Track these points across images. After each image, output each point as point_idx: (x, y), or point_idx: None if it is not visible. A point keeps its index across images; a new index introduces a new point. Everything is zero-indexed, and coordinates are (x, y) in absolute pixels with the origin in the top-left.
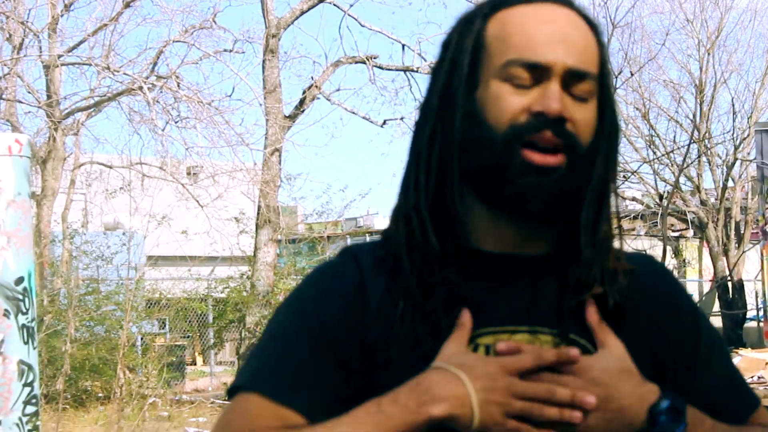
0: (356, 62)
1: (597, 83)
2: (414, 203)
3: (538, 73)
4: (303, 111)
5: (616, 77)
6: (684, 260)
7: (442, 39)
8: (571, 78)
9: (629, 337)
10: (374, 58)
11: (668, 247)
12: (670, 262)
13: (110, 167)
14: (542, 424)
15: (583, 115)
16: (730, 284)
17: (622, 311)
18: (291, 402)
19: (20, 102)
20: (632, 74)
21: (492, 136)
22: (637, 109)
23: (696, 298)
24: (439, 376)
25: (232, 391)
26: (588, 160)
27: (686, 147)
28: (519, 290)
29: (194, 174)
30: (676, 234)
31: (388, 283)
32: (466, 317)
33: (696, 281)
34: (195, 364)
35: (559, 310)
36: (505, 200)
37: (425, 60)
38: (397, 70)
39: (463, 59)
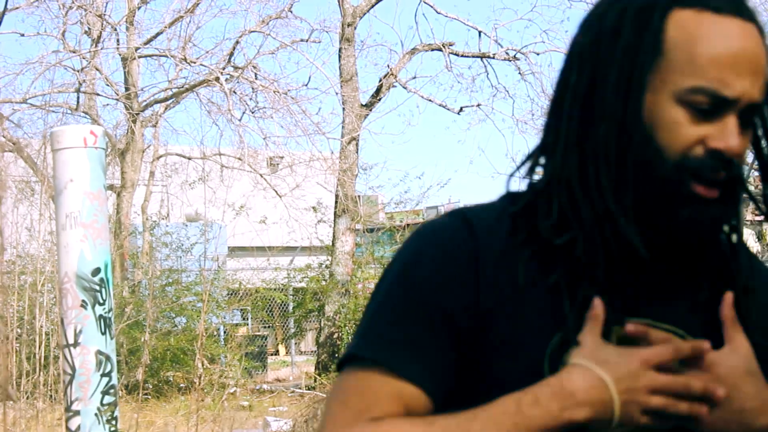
0: (432, 50)
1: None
2: (604, 207)
3: (722, 105)
4: (379, 99)
5: None
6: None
7: (598, 9)
8: (750, 111)
9: (751, 337)
10: (450, 45)
11: (751, 231)
12: (752, 245)
13: (188, 158)
14: (667, 417)
15: (745, 146)
16: None
17: (748, 312)
18: (412, 376)
19: (99, 95)
20: None
21: (662, 162)
22: None
23: None
24: (583, 378)
25: (346, 360)
26: (743, 187)
27: None
28: (667, 287)
29: (274, 164)
30: (760, 218)
31: (507, 252)
32: (599, 308)
33: None
34: (278, 354)
35: (695, 304)
36: (663, 229)
37: (501, 46)
38: (473, 56)
39: (643, 63)
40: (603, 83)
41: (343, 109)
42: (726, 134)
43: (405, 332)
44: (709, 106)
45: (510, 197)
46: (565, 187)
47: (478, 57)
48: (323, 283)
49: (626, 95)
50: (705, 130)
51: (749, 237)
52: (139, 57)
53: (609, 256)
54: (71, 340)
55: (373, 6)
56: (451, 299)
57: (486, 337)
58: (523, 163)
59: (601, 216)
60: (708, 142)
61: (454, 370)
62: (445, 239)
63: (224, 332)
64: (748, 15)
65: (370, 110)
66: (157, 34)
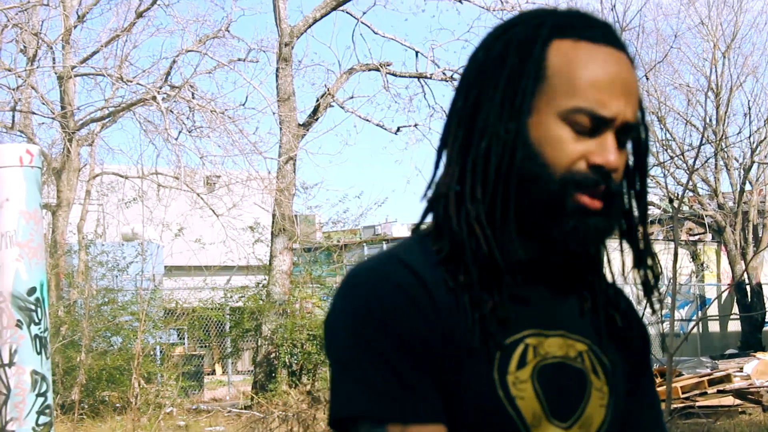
0: (370, 69)
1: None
2: (475, 215)
3: (600, 123)
4: (317, 119)
5: None
6: (702, 264)
7: (484, 43)
8: (624, 131)
9: (615, 344)
10: (388, 65)
11: (686, 251)
12: (686, 266)
13: (125, 177)
14: None
15: (623, 163)
16: (748, 288)
17: (628, 328)
18: (429, 416)
19: (34, 113)
20: (647, 77)
21: (548, 176)
22: (652, 113)
23: (714, 302)
24: None
25: (346, 420)
26: (621, 200)
27: (698, 148)
28: (559, 297)
29: (211, 183)
30: (695, 238)
31: (445, 279)
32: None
33: (714, 285)
34: (214, 374)
35: (595, 322)
36: (552, 239)
37: (438, 66)
38: (410, 77)
39: (525, 86)
40: (487, 105)
41: (280, 128)
42: (605, 150)
43: (398, 378)
44: (589, 125)
45: (418, 233)
46: (443, 201)
47: (415, 77)
48: (261, 302)
49: (509, 116)
50: (586, 147)
51: (684, 257)
52: (76, 76)
53: (491, 267)
54: (6, 360)
55: (310, 26)
56: (424, 331)
57: (457, 359)
58: (426, 189)
59: (471, 227)
60: (590, 157)
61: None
62: (398, 281)
63: (161, 352)
64: (619, 45)
65: (308, 130)
66: (94, 53)
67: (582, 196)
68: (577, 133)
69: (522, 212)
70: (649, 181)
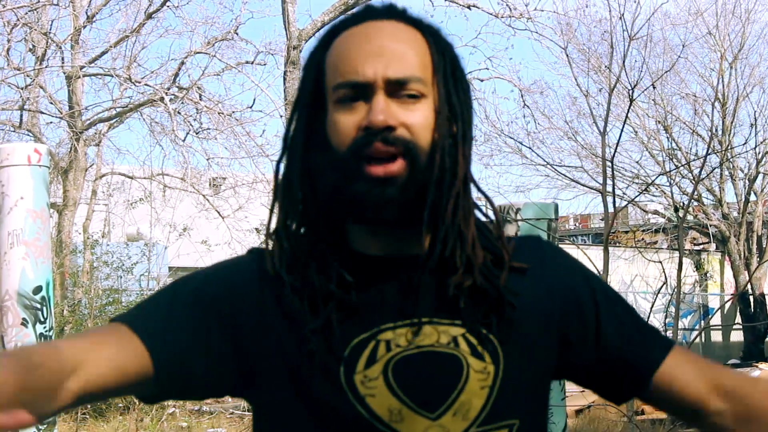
0: None
1: (434, 80)
2: (282, 224)
3: (363, 90)
4: None
5: (632, 88)
6: (706, 274)
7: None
8: (394, 86)
9: (520, 324)
10: None
11: (689, 261)
12: (690, 275)
13: (132, 178)
14: None
15: (416, 118)
16: (751, 298)
17: (503, 300)
18: (140, 331)
19: (42, 113)
20: (654, 87)
21: (337, 157)
22: (658, 122)
23: (718, 312)
24: None
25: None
26: (431, 157)
27: (704, 158)
28: (405, 286)
29: (216, 185)
30: (699, 248)
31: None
32: None
33: (718, 295)
34: None
35: (438, 302)
36: (359, 214)
37: None
38: None
39: (305, 93)
40: (296, 118)
41: None
42: (371, 111)
43: (160, 311)
44: (353, 96)
45: None
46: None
47: None
48: None
49: (306, 120)
50: (358, 117)
51: (688, 266)
52: (84, 76)
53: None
54: None
55: (319, 29)
56: (225, 300)
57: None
58: None
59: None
60: (360, 123)
61: (214, 357)
62: (234, 263)
63: None
64: (388, 15)
65: None
66: (102, 53)
67: (372, 166)
68: (347, 108)
69: (334, 201)
70: (654, 190)
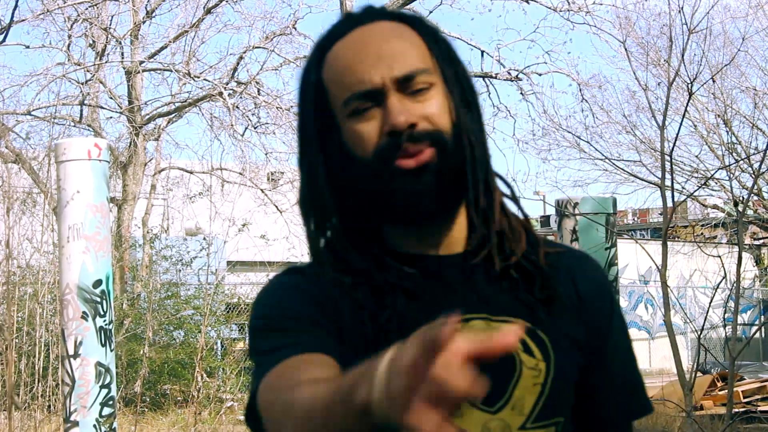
0: None
1: (437, 68)
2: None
3: (374, 97)
4: None
5: (691, 82)
6: (766, 268)
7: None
8: (403, 84)
9: (559, 314)
10: None
11: (749, 255)
12: (749, 270)
13: (190, 172)
14: None
15: (433, 107)
16: None
17: (548, 278)
18: (308, 347)
19: (102, 108)
20: (713, 80)
21: (364, 163)
22: (717, 116)
23: None
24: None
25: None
26: (458, 139)
27: (764, 152)
28: (455, 283)
29: (274, 180)
30: (759, 242)
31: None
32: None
33: None
34: None
35: (487, 297)
36: (398, 211)
37: (504, 66)
38: (476, 76)
39: (309, 116)
40: (319, 143)
41: None
42: (390, 115)
43: (282, 335)
44: (367, 104)
45: None
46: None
47: (480, 76)
48: None
49: (318, 137)
50: (378, 122)
51: (748, 261)
52: (143, 71)
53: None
54: (71, 351)
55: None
56: (310, 310)
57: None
58: None
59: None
60: (383, 129)
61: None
62: (282, 281)
63: (222, 346)
64: (371, 18)
65: None
66: (162, 49)
67: (402, 160)
68: (364, 117)
69: (373, 208)
70: (713, 183)
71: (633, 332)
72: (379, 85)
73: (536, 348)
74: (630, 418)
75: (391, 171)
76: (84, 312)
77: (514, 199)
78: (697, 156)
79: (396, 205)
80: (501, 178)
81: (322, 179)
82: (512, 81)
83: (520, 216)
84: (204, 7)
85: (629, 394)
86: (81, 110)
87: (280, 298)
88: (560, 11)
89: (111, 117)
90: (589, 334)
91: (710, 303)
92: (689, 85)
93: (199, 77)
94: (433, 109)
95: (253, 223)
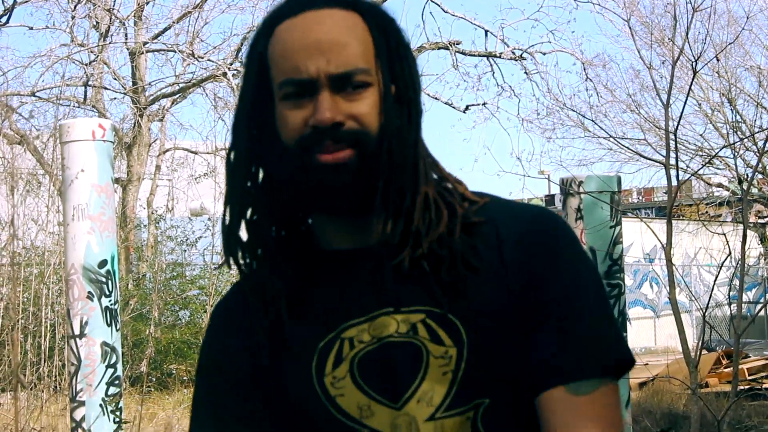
0: (439, 48)
1: (378, 66)
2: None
3: (307, 86)
4: None
5: (696, 61)
6: None
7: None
8: (338, 81)
9: (477, 289)
10: (457, 43)
11: (754, 233)
12: (754, 248)
13: (195, 153)
14: None
15: (363, 107)
16: None
17: (456, 260)
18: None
19: (106, 89)
20: (717, 59)
21: (288, 151)
22: (722, 94)
23: None
24: None
25: None
26: (380, 144)
27: None
28: (366, 279)
29: None
30: (763, 221)
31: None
32: None
33: None
34: None
35: (401, 289)
36: (314, 203)
37: (507, 46)
38: (479, 55)
39: (249, 86)
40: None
41: None
42: (317, 110)
43: (215, 420)
44: (299, 92)
45: None
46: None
47: (484, 56)
48: None
49: (253, 108)
50: (307, 113)
51: (752, 239)
52: (147, 52)
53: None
54: (77, 331)
55: (380, 5)
56: (230, 356)
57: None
58: None
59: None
60: (308, 120)
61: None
62: (219, 312)
63: None
64: (319, 4)
65: None
66: (165, 29)
67: (322, 155)
68: (294, 104)
69: (290, 194)
70: (717, 162)
71: (638, 310)
72: (314, 77)
73: (445, 335)
74: (596, 370)
75: (311, 162)
76: (89, 292)
77: (450, 192)
78: (701, 134)
79: (314, 197)
80: (444, 175)
81: (244, 152)
82: (516, 60)
83: (453, 187)
84: None
85: (592, 346)
86: (85, 91)
87: (218, 346)
88: None
89: (115, 98)
90: (519, 295)
91: (715, 281)
92: (693, 64)
93: (203, 58)
94: (363, 109)
95: None
